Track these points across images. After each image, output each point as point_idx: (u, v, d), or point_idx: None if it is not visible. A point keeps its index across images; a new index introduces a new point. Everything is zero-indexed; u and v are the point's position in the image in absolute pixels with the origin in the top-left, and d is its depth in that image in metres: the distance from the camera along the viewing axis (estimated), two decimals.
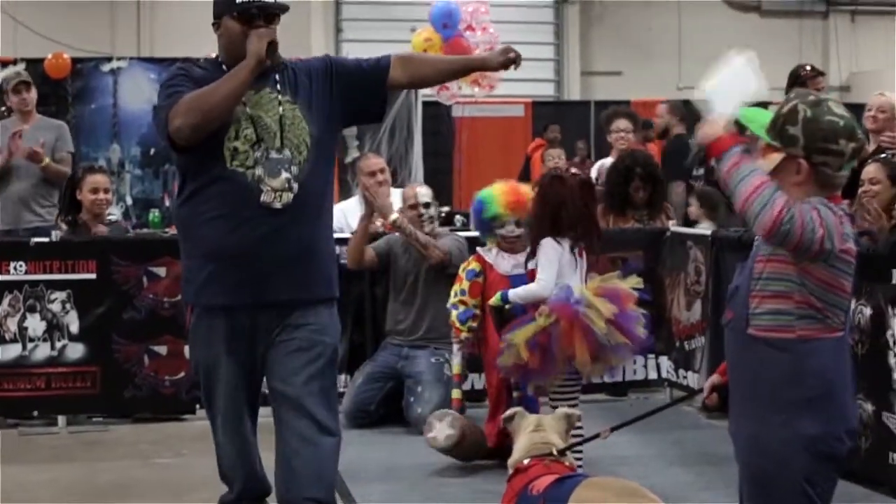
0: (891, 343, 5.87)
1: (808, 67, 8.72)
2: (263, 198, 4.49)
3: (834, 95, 22.24)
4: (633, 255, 8.07)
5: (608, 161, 9.40)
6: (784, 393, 3.51)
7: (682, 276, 8.18)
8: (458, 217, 11.87)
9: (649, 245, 8.37)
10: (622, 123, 9.58)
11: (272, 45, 4.48)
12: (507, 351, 5.88)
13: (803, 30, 23.05)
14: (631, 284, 5.99)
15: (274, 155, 4.51)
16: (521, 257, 6.29)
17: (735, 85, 3.68)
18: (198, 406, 7.43)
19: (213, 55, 4.83)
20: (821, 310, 3.52)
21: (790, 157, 3.55)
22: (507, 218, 6.66)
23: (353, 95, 4.69)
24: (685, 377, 8.17)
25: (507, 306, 5.99)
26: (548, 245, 5.97)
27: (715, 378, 3.95)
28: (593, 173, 9.39)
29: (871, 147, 7.49)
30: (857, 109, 9.29)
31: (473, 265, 6.79)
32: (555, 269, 5.91)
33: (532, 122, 18.99)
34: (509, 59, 4.68)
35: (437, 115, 16.55)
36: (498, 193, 6.71)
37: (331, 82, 4.68)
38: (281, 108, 4.56)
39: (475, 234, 7.41)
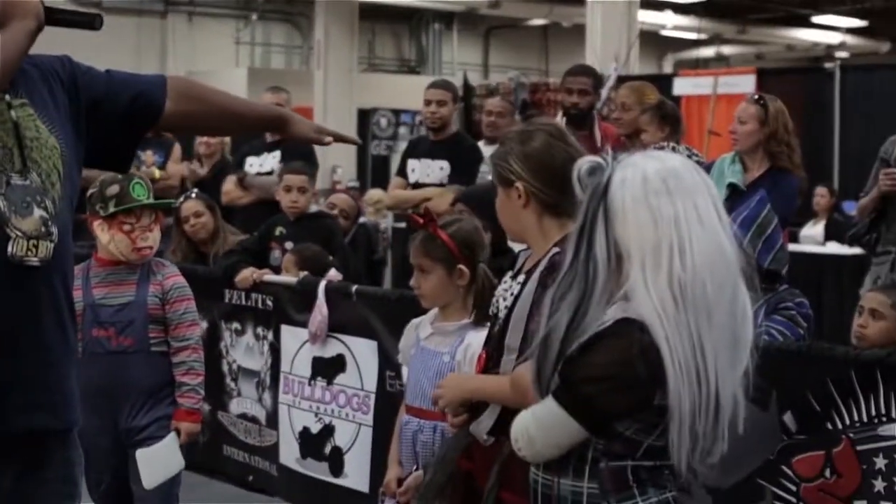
0: (224, 353, 6.82)
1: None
2: (11, 248, 2.70)
3: None
4: None
5: None
6: None
7: None
8: None
9: None
10: None
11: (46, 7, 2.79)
12: None
13: (142, 28, 23.59)
14: None
15: (17, 181, 2.73)
16: None
17: (161, 459, 4.35)
18: None
19: None
20: None
21: None
22: None
23: (106, 124, 2.97)
24: None
25: None
26: None
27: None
28: None
29: None
30: None
31: None
32: None
33: None
34: (321, 139, 3.26)
35: None
36: None
37: (77, 96, 2.94)
38: (13, 113, 2.76)
39: None
